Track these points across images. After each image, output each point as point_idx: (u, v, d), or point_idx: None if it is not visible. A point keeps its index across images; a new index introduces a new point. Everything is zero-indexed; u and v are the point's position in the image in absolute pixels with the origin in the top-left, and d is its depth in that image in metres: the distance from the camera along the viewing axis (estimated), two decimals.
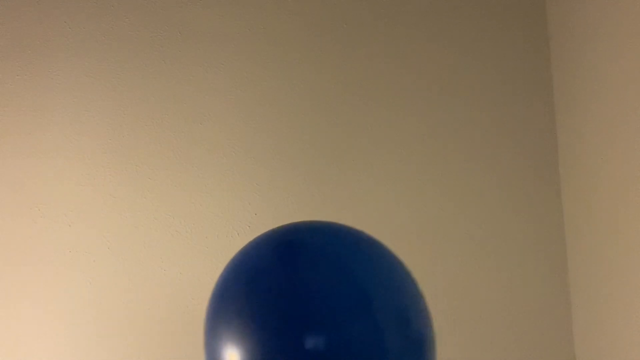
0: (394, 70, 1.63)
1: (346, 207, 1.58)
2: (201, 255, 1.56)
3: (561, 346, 1.52)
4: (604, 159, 1.36)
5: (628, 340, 1.27)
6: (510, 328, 1.53)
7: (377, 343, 0.76)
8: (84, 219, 1.57)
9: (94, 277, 1.55)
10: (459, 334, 1.53)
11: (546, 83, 1.62)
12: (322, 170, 1.60)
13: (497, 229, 1.57)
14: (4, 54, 1.64)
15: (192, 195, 1.59)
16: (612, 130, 1.32)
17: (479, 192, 1.58)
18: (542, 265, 1.55)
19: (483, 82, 1.62)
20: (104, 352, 1.52)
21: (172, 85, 1.63)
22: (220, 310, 0.82)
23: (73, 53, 1.65)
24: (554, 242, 1.56)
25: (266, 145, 1.61)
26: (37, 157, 1.60)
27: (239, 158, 1.60)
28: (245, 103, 1.63)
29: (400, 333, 0.79)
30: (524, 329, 1.53)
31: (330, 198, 1.57)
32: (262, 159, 1.60)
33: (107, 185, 1.59)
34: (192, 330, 1.52)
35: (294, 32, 1.65)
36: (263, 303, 0.77)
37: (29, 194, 1.59)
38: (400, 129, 1.61)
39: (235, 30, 1.65)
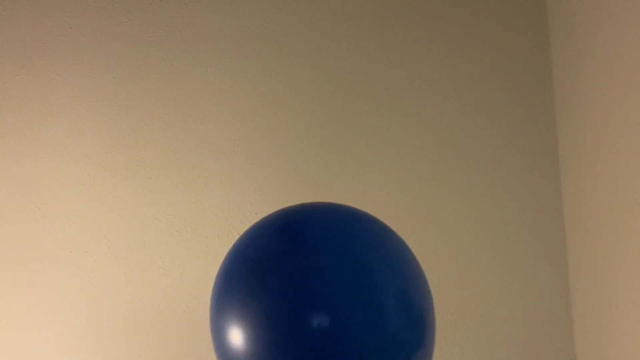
0: (394, 71, 1.63)
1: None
2: (201, 255, 1.56)
3: (561, 346, 1.52)
4: (604, 158, 1.36)
5: (628, 340, 1.27)
6: (510, 328, 1.53)
7: (379, 322, 0.75)
8: (84, 219, 1.57)
9: (94, 277, 1.55)
10: (459, 334, 1.53)
11: (546, 83, 1.62)
12: (322, 170, 1.60)
13: (497, 229, 1.57)
14: (4, 54, 1.64)
15: (192, 195, 1.59)
16: (612, 129, 1.32)
17: (479, 192, 1.58)
18: (543, 265, 1.55)
19: (483, 82, 1.62)
20: (104, 351, 1.52)
21: (172, 85, 1.63)
22: (225, 293, 0.82)
23: (73, 53, 1.65)
24: (554, 242, 1.56)
25: (266, 145, 1.61)
26: (37, 157, 1.60)
27: (239, 158, 1.60)
28: (245, 103, 1.63)
29: (402, 313, 0.79)
30: (525, 329, 1.53)
31: (330, 198, 1.57)
32: (262, 159, 1.60)
33: (107, 185, 1.59)
34: (192, 330, 1.52)
35: (293, 32, 1.65)
36: (268, 285, 0.76)
37: (29, 194, 1.59)
38: (400, 129, 1.61)
39: (235, 30, 1.65)
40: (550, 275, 1.54)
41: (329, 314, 0.73)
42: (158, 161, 1.60)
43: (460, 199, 1.58)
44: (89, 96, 1.63)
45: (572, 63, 1.51)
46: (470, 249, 1.56)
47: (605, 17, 1.34)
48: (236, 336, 0.76)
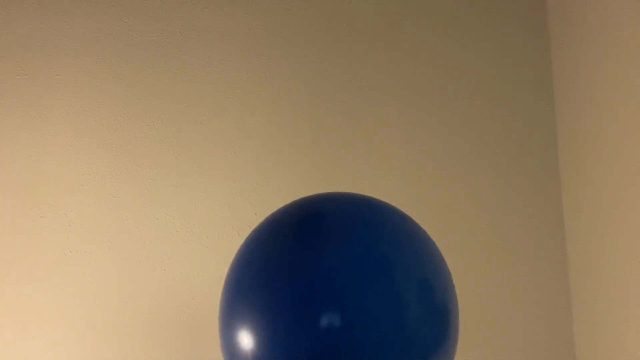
0: (394, 70, 1.63)
1: None
2: (201, 255, 1.56)
3: (561, 346, 1.52)
4: (604, 157, 1.36)
5: (628, 341, 1.27)
6: (510, 329, 1.53)
7: (399, 317, 0.70)
8: (84, 219, 1.57)
9: (94, 276, 1.55)
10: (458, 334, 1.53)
11: (546, 82, 1.62)
12: (323, 170, 1.60)
13: (496, 229, 1.57)
14: (4, 54, 1.64)
15: (192, 195, 1.59)
16: (612, 129, 1.32)
17: (478, 192, 1.58)
18: (542, 265, 1.55)
19: (482, 81, 1.62)
20: (104, 351, 1.52)
21: (172, 85, 1.63)
22: (237, 293, 0.78)
23: (73, 53, 1.65)
24: (554, 242, 1.56)
25: (266, 145, 1.61)
26: (37, 157, 1.60)
27: (239, 158, 1.60)
28: (245, 103, 1.63)
29: (423, 307, 0.73)
30: (524, 330, 1.53)
31: None
32: (263, 158, 1.60)
33: (107, 185, 1.59)
34: (192, 330, 1.52)
35: (294, 32, 1.65)
36: (281, 282, 0.72)
37: (29, 194, 1.59)
38: (400, 130, 1.61)
39: (235, 30, 1.65)
40: (550, 275, 1.54)
41: (342, 311, 0.69)
42: (158, 161, 1.60)
43: (460, 198, 1.58)
44: (89, 96, 1.63)
45: (572, 62, 1.51)
46: (470, 248, 1.56)
47: (605, 17, 1.34)
48: (244, 338, 0.73)
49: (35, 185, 1.59)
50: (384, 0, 1.66)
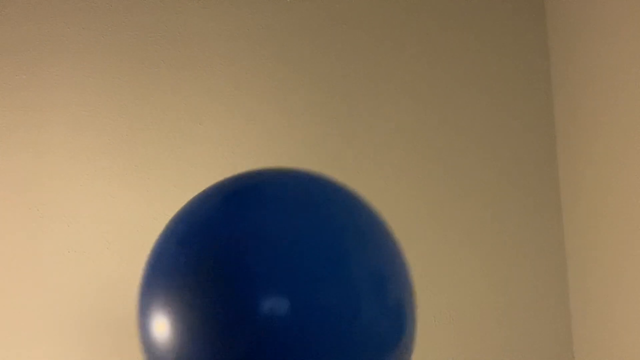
0: (394, 71, 1.63)
1: None
2: None
3: (560, 346, 1.52)
4: (602, 158, 1.35)
5: (627, 340, 1.27)
6: (509, 329, 1.53)
7: (349, 309, 0.60)
8: (84, 219, 1.57)
9: (93, 276, 1.55)
10: (457, 334, 1.53)
11: (545, 81, 1.62)
12: (324, 170, 1.59)
13: (495, 229, 1.56)
14: (4, 54, 1.64)
15: (192, 195, 1.58)
16: (610, 128, 1.32)
17: (478, 192, 1.58)
18: (541, 265, 1.55)
19: (481, 80, 1.62)
20: (103, 351, 1.52)
21: (171, 85, 1.63)
22: (152, 276, 0.66)
23: (73, 53, 1.64)
24: (553, 241, 1.56)
25: (266, 145, 1.61)
26: (37, 157, 1.60)
27: (239, 158, 1.60)
28: (245, 103, 1.63)
29: (376, 299, 0.63)
30: (523, 330, 1.53)
31: None
32: (262, 159, 1.60)
33: (107, 185, 1.59)
34: None
35: (293, 32, 1.65)
36: (199, 261, 0.60)
37: (29, 193, 1.58)
38: (399, 130, 1.61)
39: (234, 30, 1.65)
40: (548, 275, 1.54)
41: (283, 298, 0.58)
42: (158, 161, 1.60)
43: (459, 199, 1.58)
44: (89, 96, 1.63)
45: (571, 61, 1.51)
46: (469, 249, 1.56)
47: (604, 17, 1.34)
48: (162, 330, 0.62)
49: (34, 185, 1.59)
50: (382, 3, 1.66)
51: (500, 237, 1.56)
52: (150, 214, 1.57)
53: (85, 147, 1.61)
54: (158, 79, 1.63)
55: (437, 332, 1.51)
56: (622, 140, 1.27)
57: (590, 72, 1.41)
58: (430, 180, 1.59)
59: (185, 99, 1.63)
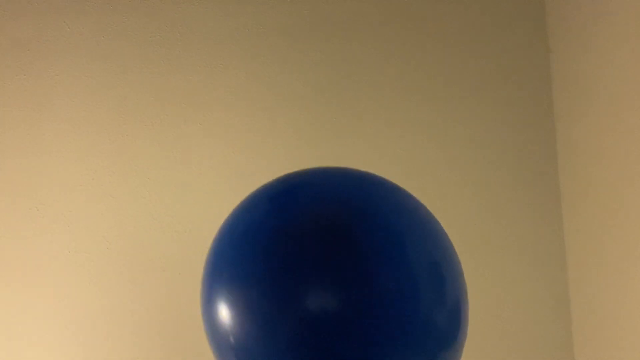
0: (394, 72, 1.63)
1: None
2: (201, 255, 1.56)
3: (560, 347, 1.52)
4: (602, 158, 1.36)
5: (627, 341, 1.27)
6: (508, 329, 1.53)
7: (411, 297, 0.62)
8: (84, 219, 1.57)
9: (94, 277, 1.55)
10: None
11: (545, 82, 1.62)
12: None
13: (495, 229, 1.57)
14: (4, 54, 1.64)
15: (192, 196, 1.59)
16: (610, 129, 1.32)
17: (478, 193, 1.58)
18: (541, 266, 1.55)
19: (481, 83, 1.62)
20: (103, 351, 1.52)
21: (171, 85, 1.63)
22: (216, 270, 0.72)
23: (73, 53, 1.64)
24: (553, 242, 1.56)
25: (266, 146, 1.61)
26: (36, 157, 1.60)
27: (239, 158, 1.60)
28: (245, 103, 1.63)
29: (433, 292, 0.64)
30: (523, 330, 1.53)
31: None
32: (262, 159, 1.60)
33: (107, 185, 1.59)
34: (191, 330, 1.52)
35: (293, 32, 1.65)
36: (261, 257, 0.64)
37: (29, 193, 1.58)
38: (399, 130, 1.61)
39: (235, 30, 1.65)
40: (548, 275, 1.54)
41: (330, 296, 0.61)
42: (158, 161, 1.60)
43: (459, 199, 1.58)
44: (89, 96, 1.63)
45: (571, 64, 1.51)
46: (469, 249, 1.56)
47: (604, 17, 1.34)
48: (225, 320, 0.67)
49: (34, 186, 1.59)
50: (383, 1, 1.66)
51: (500, 237, 1.57)
52: (150, 214, 1.58)
53: (85, 147, 1.60)
54: (158, 79, 1.63)
55: None
56: (623, 140, 1.27)
57: (591, 73, 1.41)
58: (430, 181, 1.59)
59: (186, 99, 1.63)
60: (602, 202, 1.36)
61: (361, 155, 1.60)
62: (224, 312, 0.67)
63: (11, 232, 1.57)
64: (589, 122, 1.42)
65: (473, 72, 1.63)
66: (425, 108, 1.62)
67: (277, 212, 0.68)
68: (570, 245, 1.53)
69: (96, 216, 1.57)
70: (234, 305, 0.66)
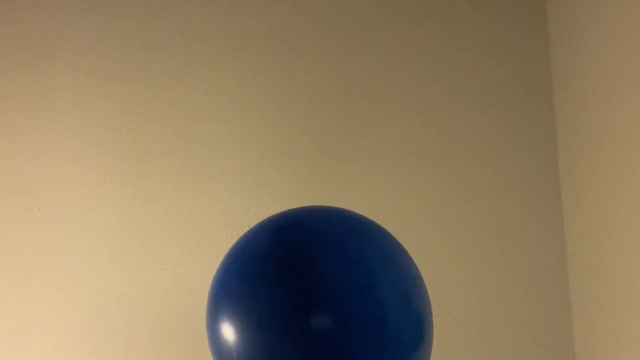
0: (394, 70, 1.63)
1: (347, 207, 1.57)
2: (201, 255, 1.56)
3: (561, 347, 1.52)
4: (603, 157, 1.36)
5: (628, 341, 1.27)
6: (509, 329, 1.53)
7: (380, 321, 0.75)
8: (84, 219, 1.57)
9: (94, 277, 1.55)
10: (458, 334, 1.53)
11: (546, 82, 1.62)
12: (323, 170, 1.60)
13: (496, 229, 1.57)
14: (4, 54, 1.64)
15: (192, 196, 1.59)
16: (611, 129, 1.32)
17: (478, 193, 1.58)
18: (542, 266, 1.55)
19: (482, 83, 1.62)
20: (103, 351, 1.52)
21: (172, 85, 1.63)
22: (221, 297, 0.81)
23: (73, 53, 1.65)
24: (554, 242, 1.56)
25: (266, 145, 1.61)
26: (37, 157, 1.60)
27: (239, 158, 1.60)
28: (245, 103, 1.63)
29: (403, 312, 0.79)
30: (524, 330, 1.53)
31: (331, 198, 1.57)
32: (262, 158, 1.60)
33: (107, 185, 1.59)
34: (191, 330, 1.52)
35: (293, 33, 1.65)
36: (267, 286, 0.75)
37: (29, 194, 1.58)
38: (400, 130, 1.61)
39: (235, 30, 1.65)
40: (549, 275, 1.54)
41: (330, 315, 0.73)
42: (158, 161, 1.60)
43: (459, 199, 1.58)
44: (89, 96, 1.63)
45: (571, 62, 1.51)
46: (469, 249, 1.56)
47: (604, 16, 1.34)
48: (230, 337, 0.76)
49: (35, 186, 1.59)
50: (382, 3, 1.66)
51: (501, 238, 1.57)
52: (150, 214, 1.58)
53: (86, 147, 1.61)
54: (158, 79, 1.63)
55: (437, 332, 1.51)
56: (623, 141, 1.27)
57: (591, 74, 1.41)
58: (431, 183, 1.59)
59: (186, 99, 1.63)
60: (603, 201, 1.36)
61: (357, 153, 1.60)
62: (229, 330, 0.78)
63: (12, 232, 1.57)
64: (589, 121, 1.42)
65: (474, 72, 1.63)
66: (424, 107, 1.62)
67: (283, 244, 0.81)
68: (571, 244, 1.53)
69: (96, 216, 1.57)
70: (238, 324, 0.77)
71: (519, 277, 1.55)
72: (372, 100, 1.62)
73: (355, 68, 1.64)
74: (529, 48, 1.63)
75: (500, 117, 1.61)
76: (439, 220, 1.57)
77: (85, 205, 1.58)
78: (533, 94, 1.62)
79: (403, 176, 1.59)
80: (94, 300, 1.54)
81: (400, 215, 1.57)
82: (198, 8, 1.66)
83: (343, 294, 0.75)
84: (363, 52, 1.64)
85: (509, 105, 1.61)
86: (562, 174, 1.58)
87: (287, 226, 0.85)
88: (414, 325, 0.81)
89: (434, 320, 1.50)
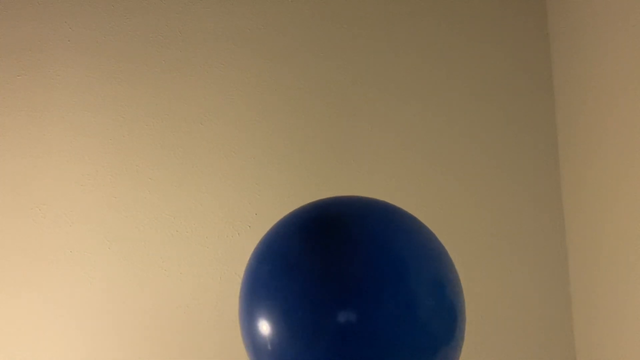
0: (394, 71, 1.63)
1: None
2: (202, 255, 1.56)
3: (562, 347, 1.52)
4: (604, 157, 1.36)
5: (628, 341, 1.27)
6: (510, 329, 1.53)
7: (412, 316, 0.75)
8: (85, 219, 1.58)
9: (95, 277, 1.55)
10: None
11: (547, 81, 1.62)
12: (323, 169, 1.60)
13: (497, 229, 1.57)
14: (4, 54, 1.64)
15: (193, 195, 1.59)
16: (612, 128, 1.32)
17: (478, 193, 1.58)
18: (543, 265, 1.55)
19: (482, 81, 1.62)
20: (104, 352, 1.52)
21: (172, 85, 1.63)
22: (255, 290, 0.81)
23: (73, 53, 1.65)
24: (555, 241, 1.56)
25: (266, 145, 1.61)
26: (37, 157, 1.60)
27: (239, 158, 1.60)
28: (245, 103, 1.63)
29: (434, 305, 0.79)
30: (524, 330, 1.53)
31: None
32: (263, 158, 1.60)
33: (107, 185, 1.59)
34: (192, 330, 1.52)
35: (294, 32, 1.65)
36: (299, 281, 0.75)
37: (30, 194, 1.59)
38: (399, 130, 1.61)
39: (235, 30, 1.65)
40: (550, 275, 1.54)
41: (358, 308, 0.72)
42: (158, 161, 1.60)
43: (460, 198, 1.58)
44: (89, 96, 1.63)
45: (572, 61, 1.51)
46: (470, 248, 1.56)
47: (605, 17, 1.34)
48: (264, 330, 0.76)
49: (35, 185, 1.59)
50: (384, 1, 1.66)
51: (501, 238, 1.56)
52: (150, 214, 1.58)
53: (86, 148, 1.61)
54: (159, 79, 1.63)
55: None
56: (623, 141, 1.27)
57: (592, 73, 1.41)
58: (431, 183, 1.59)
59: (186, 99, 1.63)
60: (604, 201, 1.36)
61: (359, 151, 1.60)
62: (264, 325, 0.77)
63: (13, 232, 1.57)
64: (590, 120, 1.42)
65: (474, 71, 1.62)
66: (425, 106, 1.62)
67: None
68: (572, 244, 1.53)
69: (97, 216, 1.58)
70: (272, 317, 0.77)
71: (519, 276, 1.55)
72: (373, 100, 1.62)
73: (356, 68, 1.63)
74: (529, 46, 1.63)
75: (501, 117, 1.61)
76: (439, 220, 1.57)
77: (85, 205, 1.58)
78: (534, 93, 1.62)
79: (403, 176, 1.59)
80: (93, 300, 1.54)
81: None
82: (198, 8, 1.66)
83: (376, 286, 0.74)
84: (363, 53, 1.64)
85: (509, 104, 1.61)
86: (563, 173, 1.57)
87: (316, 218, 0.84)
88: (445, 317, 0.81)
89: None
